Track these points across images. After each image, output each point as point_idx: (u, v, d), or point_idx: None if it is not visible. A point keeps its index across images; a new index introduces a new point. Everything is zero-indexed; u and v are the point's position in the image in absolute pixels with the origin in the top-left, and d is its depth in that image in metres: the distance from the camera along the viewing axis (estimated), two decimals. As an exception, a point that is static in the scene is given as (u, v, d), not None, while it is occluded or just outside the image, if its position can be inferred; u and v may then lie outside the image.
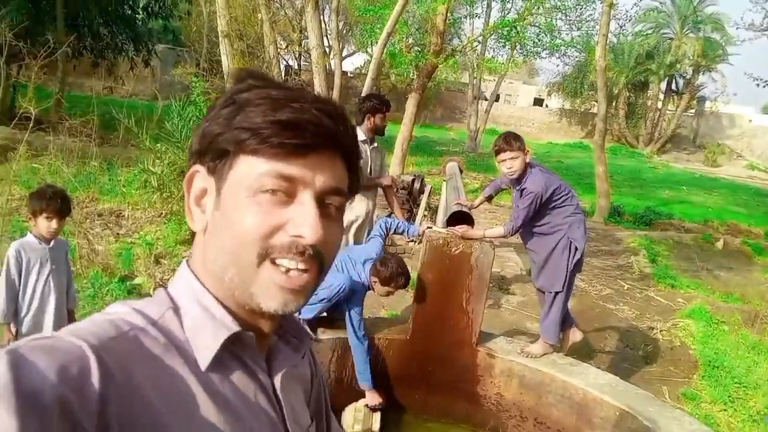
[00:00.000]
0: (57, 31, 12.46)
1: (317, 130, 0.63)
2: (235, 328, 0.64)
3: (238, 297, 0.65)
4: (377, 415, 3.27)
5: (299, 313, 3.06)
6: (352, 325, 3.13)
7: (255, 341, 0.67)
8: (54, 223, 2.81)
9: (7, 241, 3.02)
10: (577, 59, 25.86)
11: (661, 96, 33.44)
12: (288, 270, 0.63)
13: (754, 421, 4.07)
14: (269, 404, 0.69)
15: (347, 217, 4.13)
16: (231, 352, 0.65)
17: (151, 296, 0.69)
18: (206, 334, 0.64)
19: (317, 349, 3.23)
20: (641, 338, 5.44)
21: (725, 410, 4.18)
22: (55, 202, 2.78)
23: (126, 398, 0.54)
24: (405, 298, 5.18)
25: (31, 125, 4.90)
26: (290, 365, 0.75)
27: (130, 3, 15.68)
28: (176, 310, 0.65)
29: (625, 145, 32.26)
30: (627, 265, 8.14)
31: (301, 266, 0.63)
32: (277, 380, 0.71)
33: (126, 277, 4.99)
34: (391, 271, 3.12)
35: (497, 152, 3.39)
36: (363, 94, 5.19)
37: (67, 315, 3.06)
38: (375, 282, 3.18)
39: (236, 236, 0.63)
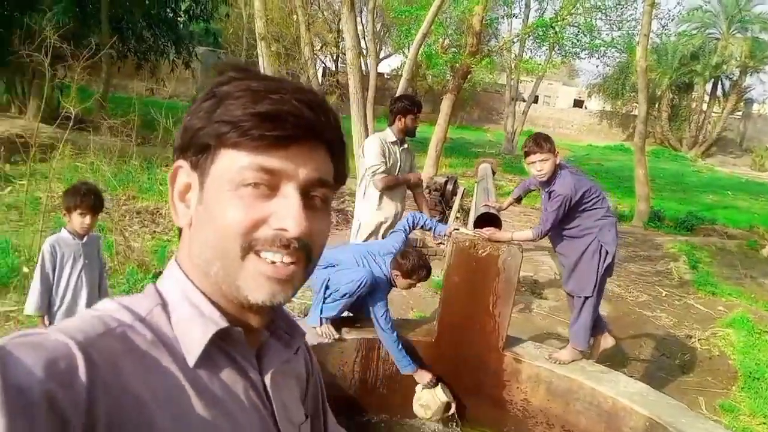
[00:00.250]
0: (101, 33, 12.82)
1: (297, 122, 0.62)
2: (222, 323, 0.64)
3: (225, 291, 0.65)
4: (438, 390, 3.21)
5: (321, 312, 3.07)
6: (377, 319, 3.09)
7: (244, 337, 0.66)
8: (87, 219, 2.89)
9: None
10: (618, 60, 25.39)
11: (706, 98, 32.50)
12: (273, 262, 0.63)
13: (796, 436, 3.90)
14: (259, 400, 0.69)
15: (377, 219, 4.12)
16: (220, 348, 0.65)
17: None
18: (194, 330, 0.63)
19: (341, 349, 3.23)
20: (678, 347, 5.27)
21: (765, 423, 4.02)
22: (88, 198, 2.85)
23: (114, 395, 0.53)
24: (434, 300, 5.15)
25: (71, 124, 5.04)
26: (281, 361, 0.74)
27: (173, 6, 16.00)
28: (164, 306, 0.65)
29: (668, 148, 31.51)
30: (666, 272, 7.91)
31: (287, 259, 0.63)
32: (268, 376, 0.70)
33: (160, 273, 5.08)
34: (412, 263, 3.09)
35: (527, 154, 3.32)
36: (396, 95, 5.17)
37: (99, 309, 3.13)
38: (397, 275, 3.16)
39: (219, 230, 0.62)
